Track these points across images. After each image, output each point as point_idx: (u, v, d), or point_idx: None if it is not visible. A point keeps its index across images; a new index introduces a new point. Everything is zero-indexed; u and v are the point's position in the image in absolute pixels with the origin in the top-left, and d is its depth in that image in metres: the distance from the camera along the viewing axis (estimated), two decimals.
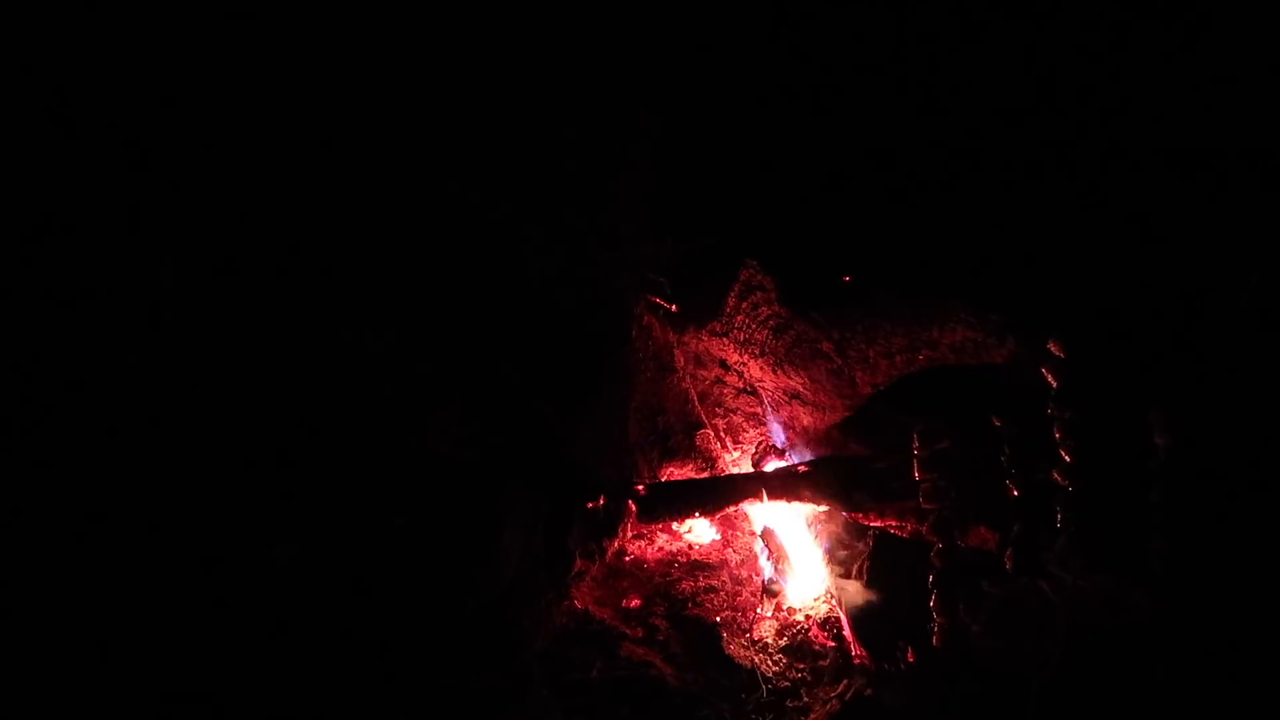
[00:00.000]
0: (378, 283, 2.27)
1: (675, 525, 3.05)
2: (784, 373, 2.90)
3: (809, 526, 2.85)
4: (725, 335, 3.07)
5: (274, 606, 1.88)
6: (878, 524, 2.60)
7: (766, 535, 2.87)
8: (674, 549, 2.99)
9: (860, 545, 2.64)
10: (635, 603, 2.69)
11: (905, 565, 2.40)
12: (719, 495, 2.90)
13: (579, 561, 2.62)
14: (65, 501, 1.74)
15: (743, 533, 3.05)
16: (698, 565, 2.89)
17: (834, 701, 2.25)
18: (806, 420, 2.94)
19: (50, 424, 1.77)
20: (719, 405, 3.28)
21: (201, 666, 1.74)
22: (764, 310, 2.88)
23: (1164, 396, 1.84)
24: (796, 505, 2.82)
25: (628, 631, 2.53)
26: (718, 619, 2.61)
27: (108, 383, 1.84)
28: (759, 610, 2.65)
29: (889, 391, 2.66)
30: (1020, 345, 2.24)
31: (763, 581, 2.77)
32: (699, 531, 3.07)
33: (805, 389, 2.86)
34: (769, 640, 2.52)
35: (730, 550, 2.98)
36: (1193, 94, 1.95)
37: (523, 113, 2.51)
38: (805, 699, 2.29)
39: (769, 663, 2.42)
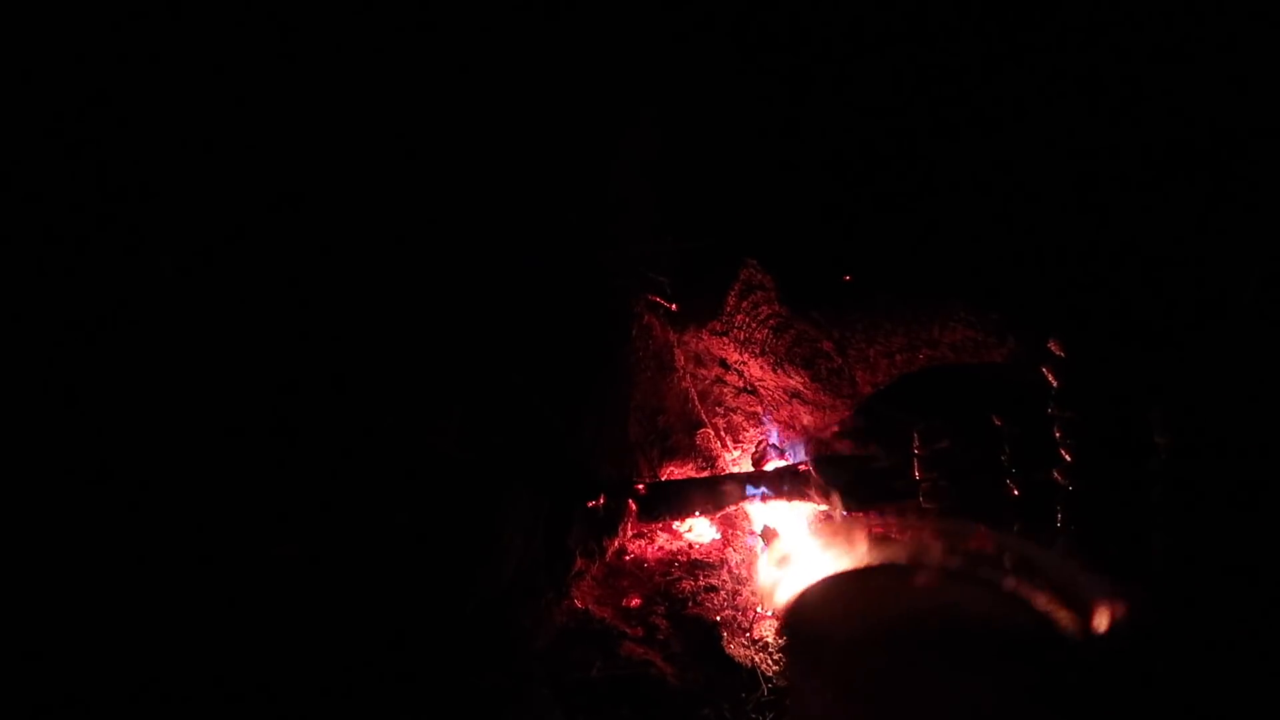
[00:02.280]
0: (378, 281, 2.27)
1: (675, 524, 3.05)
2: (784, 372, 2.90)
3: (809, 525, 2.85)
4: (725, 334, 3.07)
5: (273, 605, 1.89)
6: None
7: (767, 534, 2.87)
8: (674, 548, 2.98)
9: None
10: (635, 602, 2.69)
11: None
12: (719, 494, 2.90)
13: (579, 560, 2.62)
14: (63, 500, 1.74)
15: (743, 532, 3.05)
16: (698, 564, 2.89)
17: None
18: (807, 419, 2.94)
19: (49, 422, 1.77)
20: (719, 404, 3.27)
21: (199, 666, 1.74)
22: (764, 309, 2.88)
23: (1164, 396, 1.84)
24: (797, 504, 2.82)
25: (628, 630, 2.52)
26: (718, 618, 2.61)
27: (106, 381, 1.84)
28: (759, 609, 2.64)
29: (889, 390, 2.66)
30: (1020, 344, 2.25)
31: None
32: (699, 530, 3.07)
33: (805, 388, 2.86)
34: (769, 639, 2.52)
35: (730, 549, 2.98)
36: (1192, 92, 1.95)
37: (522, 112, 2.51)
38: None
39: (769, 661, 2.42)
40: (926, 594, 0.61)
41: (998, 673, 0.53)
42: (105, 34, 1.87)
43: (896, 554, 0.64)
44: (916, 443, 2.36)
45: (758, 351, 2.96)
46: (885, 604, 0.60)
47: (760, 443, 3.21)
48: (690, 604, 2.67)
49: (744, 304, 2.94)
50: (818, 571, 0.64)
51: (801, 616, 0.59)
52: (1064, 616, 0.55)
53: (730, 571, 2.84)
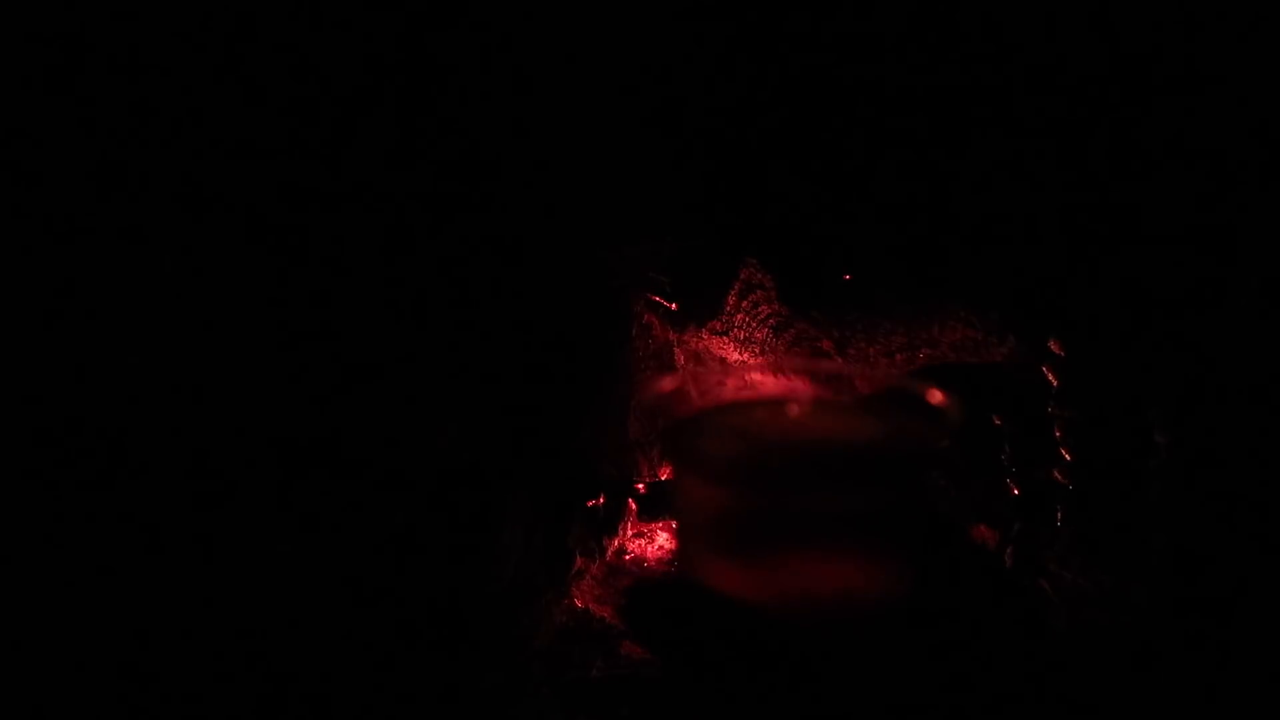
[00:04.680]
0: (377, 280, 2.27)
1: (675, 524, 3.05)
2: (784, 371, 2.90)
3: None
4: (725, 334, 3.07)
5: (272, 605, 1.89)
6: None
7: None
8: (674, 547, 2.98)
9: None
10: None
11: None
12: None
13: (579, 560, 2.62)
14: (64, 499, 1.74)
15: None
16: None
17: None
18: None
19: (50, 421, 1.77)
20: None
21: (197, 665, 1.74)
22: (764, 309, 2.88)
23: (1164, 396, 1.84)
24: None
25: (628, 630, 2.52)
26: None
27: (107, 379, 1.84)
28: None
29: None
30: (1020, 343, 2.24)
31: None
32: None
33: (805, 388, 2.86)
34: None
35: None
36: (1191, 88, 1.94)
37: (520, 111, 2.51)
38: None
39: None
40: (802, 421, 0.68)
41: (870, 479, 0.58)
42: (103, 30, 1.87)
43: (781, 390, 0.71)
44: None
45: (757, 351, 2.96)
46: (767, 427, 0.67)
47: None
48: None
49: (744, 303, 2.94)
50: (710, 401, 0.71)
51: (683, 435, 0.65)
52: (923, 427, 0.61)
53: None
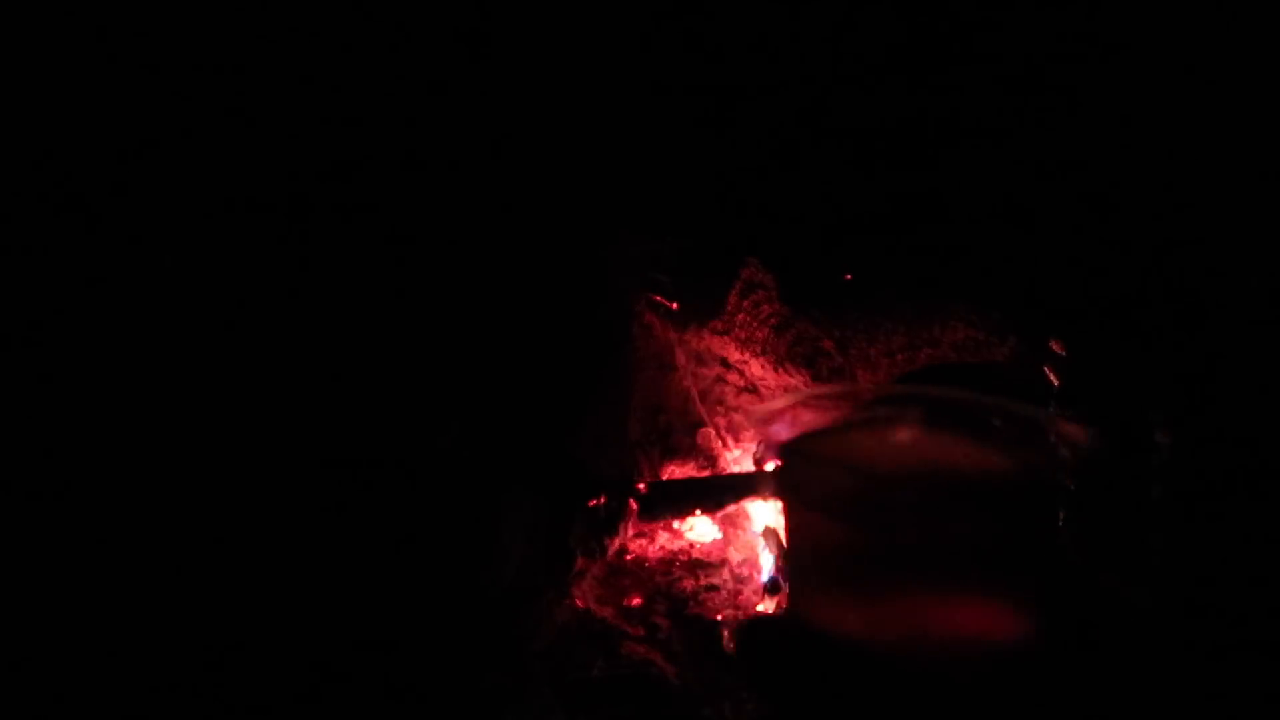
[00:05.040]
0: (379, 279, 2.27)
1: (676, 523, 3.05)
2: (785, 371, 2.90)
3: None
4: (726, 333, 3.07)
5: (273, 604, 1.89)
6: None
7: (768, 533, 2.87)
8: (675, 547, 2.99)
9: None
10: (637, 601, 2.69)
11: None
12: (720, 493, 2.90)
13: (580, 560, 2.62)
14: (64, 498, 1.75)
15: (744, 531, 3.05)
16: (699, 563, 2.89)
17: None
18: (808, 418, 2.94)
19: (49, 420, 1.78)
20: (720, 403, 3.27)
21: (198, 665, 1.74)
22: (765, 308, 2.88)
23: (1164, 396, 1.84)
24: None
25: (629, 630, 2.53)
26: (719, 617, 2.62)
27: (108, 378, 1.85)
28: (760, 608, 2.64)
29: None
30: (1022, 343, 2.24)
31: (764, 579, 2.77)
32: (700, 530, 3.08)
33: (806, 387, 2.86)
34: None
35: (731, 548, 2.98)
36: (1191, 88, 1.94)
37: (521, 110, 2.51)
38: None
39: None
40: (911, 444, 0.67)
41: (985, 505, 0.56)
42: (105, 28, 1.88)
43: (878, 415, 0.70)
44: None
45: (759, 350, 2.96)
46: (878, 456, 0.66)
47: (761, 442, 3.21)
48: (691, 603, 2.67)
49: (745, 303, 2.94)
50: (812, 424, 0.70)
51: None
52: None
53: (731, 570, 2.84)
